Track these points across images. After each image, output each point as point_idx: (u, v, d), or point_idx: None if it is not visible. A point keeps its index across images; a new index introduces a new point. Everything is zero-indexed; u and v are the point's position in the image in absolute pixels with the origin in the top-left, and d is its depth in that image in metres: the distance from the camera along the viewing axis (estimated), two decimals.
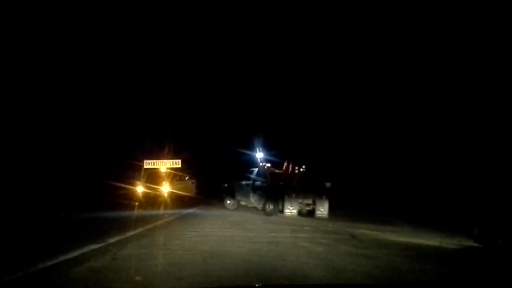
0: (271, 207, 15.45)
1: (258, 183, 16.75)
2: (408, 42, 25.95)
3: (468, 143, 21.91)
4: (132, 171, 19.27)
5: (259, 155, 18.07)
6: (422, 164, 23.38)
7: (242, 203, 17.42)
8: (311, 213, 15.57)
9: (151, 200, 17.69)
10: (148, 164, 18.96)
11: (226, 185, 18.70)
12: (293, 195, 15.41)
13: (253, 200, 16.62)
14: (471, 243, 9.96)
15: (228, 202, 17.70)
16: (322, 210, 15.23)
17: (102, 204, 15.76)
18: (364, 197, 21.99)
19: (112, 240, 7.32)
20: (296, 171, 17.43)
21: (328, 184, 15.78)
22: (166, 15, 28.81)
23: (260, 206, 16.19)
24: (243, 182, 17.34)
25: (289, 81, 32.26)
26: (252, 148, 18.42)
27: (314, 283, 5.30)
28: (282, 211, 15.28)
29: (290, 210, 15.20)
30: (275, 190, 15.91)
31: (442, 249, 9.25)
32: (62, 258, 5.58)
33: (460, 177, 20.48)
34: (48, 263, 5.25)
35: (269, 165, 17.82)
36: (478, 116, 22.13)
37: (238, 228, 10.79)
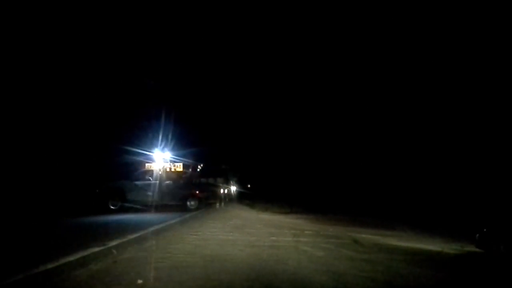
0: (194, 202, 17.85)
1: (169, 182, 18.20)
2: (399, 41, 25.86)
3: (471, 147, 21.87)
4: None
5: (162, 155, 18.75)
6: (424, 168, 23.32)
7: (135, 204, 17.25)
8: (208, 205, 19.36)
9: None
10: (149, 167, 18.97)
11: (104, 187, 17.96)
12: (204, 193, 18.68)
13: (158, 199, 17.39)
14: (473, 248, 9.92)
15: (112, 204, 17.16)
16: (219, 204, 19.33)
17: (101, 207, 15.77)
18: (365, 201, 21.93)
19: (113, 243, 7.31)
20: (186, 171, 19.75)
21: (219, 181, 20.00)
22: None
23: (171, 203, 17.78)
24: (137, 183, 17.72)
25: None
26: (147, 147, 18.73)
27: None
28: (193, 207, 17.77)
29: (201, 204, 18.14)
30: (192, 188, 18.51)
31: (443, 254, 9.21)
32: (63, 260, 5.57)
33: (462, 181, 20.43)
34: (49, 266, 5.24)
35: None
36: (479, 120, 22.10)
37: (239, 232, 10.78)
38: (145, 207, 17.02)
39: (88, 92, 22.77)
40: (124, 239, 7.90)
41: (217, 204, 19.60)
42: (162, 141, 19.02)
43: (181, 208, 17.48)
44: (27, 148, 19.11)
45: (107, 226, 10.50)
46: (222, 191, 19.49)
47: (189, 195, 17.96)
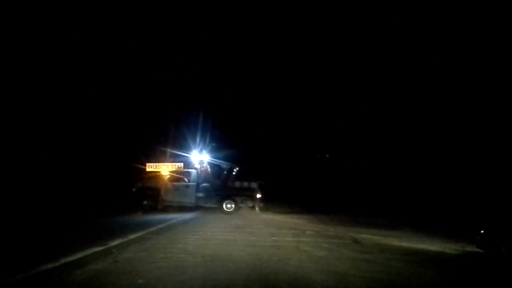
0: (231, 205, 17.61)
1: (206, 184, 18.18)
2: (401, 41, 25.74)
3: (471, 148, 21.85)
4: (134, 174, 19.26)
5: (200, 157, 18.88)
6: (425, 168, 23.29)
7: (171, 205, 17.56)
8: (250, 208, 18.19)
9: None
10: (150, 167, 18.97)
11: (140, 187, 18.10)
12: (241, 196, 17.99)
13: (195, 200, 17.59)
14: (473, 248, 9.90)
15: (147, 204, 17.33)
16: (258, 207, 18.15)
17: (102, 208, 15.77)
18: (366, 202, 21.90)
19: (114, 242, 7.31)
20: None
21: (254, 184, 18.66)
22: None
23: (207, 205, 17.80)
24: (175, 184, 17.88)
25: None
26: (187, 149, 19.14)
27: None
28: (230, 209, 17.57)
29: (242, 206, 17.78)
30: (229, 190, 18.14)
31: (444, 255, 9.21)
32: (63, 260, 5.57)
33: (463, 182, 20.39)
34: (50, 266, 5.24)
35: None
36: (480, 121, 22.07)
37: (240, 232, 10.78)
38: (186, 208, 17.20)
39: (130, 97, 23.30)
40: (125, 239, 7.91)
41: (256, 208, 18.34)
42: (199, 143, 19.13)
43: (217, 210, 17.57)
44: (72, 148, 19.60)
45: (112, 226, 10.48)
46: (258, 195, 18.65)
47: (225, 197, 17.82)
